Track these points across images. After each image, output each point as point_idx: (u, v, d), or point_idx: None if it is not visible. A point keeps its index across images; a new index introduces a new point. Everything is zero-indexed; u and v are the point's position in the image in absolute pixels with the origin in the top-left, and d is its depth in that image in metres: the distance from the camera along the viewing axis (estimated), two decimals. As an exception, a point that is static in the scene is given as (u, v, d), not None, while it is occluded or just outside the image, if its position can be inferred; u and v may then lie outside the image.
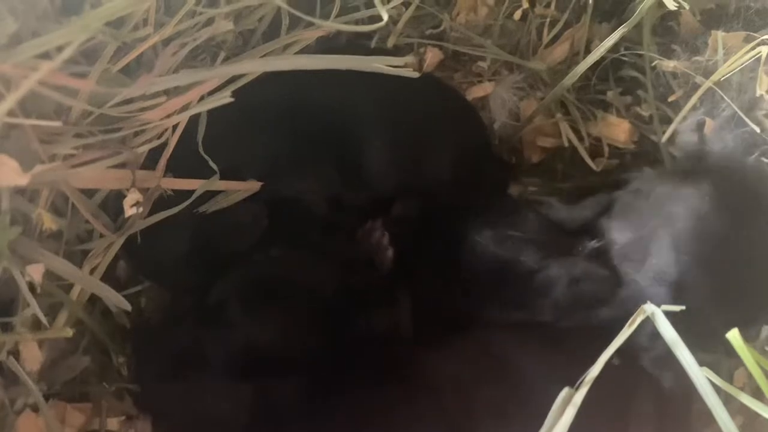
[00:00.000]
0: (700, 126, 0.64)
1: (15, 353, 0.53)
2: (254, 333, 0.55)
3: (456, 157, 0.66)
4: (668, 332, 0.44)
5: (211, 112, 0.51)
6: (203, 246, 0.59)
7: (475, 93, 0.75)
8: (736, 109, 0.60)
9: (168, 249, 0.59)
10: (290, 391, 0.54)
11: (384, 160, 0.63)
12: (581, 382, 0.45)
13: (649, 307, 0.45)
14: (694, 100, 0.65)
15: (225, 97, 0.47)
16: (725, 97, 0.61)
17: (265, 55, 0.52)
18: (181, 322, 0.58)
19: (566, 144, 0.74)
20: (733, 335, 0.41)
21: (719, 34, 0.65)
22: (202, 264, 0.59)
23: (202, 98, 0.48)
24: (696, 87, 0.65)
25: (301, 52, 0.55)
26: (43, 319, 0.49)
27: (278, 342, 0.55)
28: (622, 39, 0.67)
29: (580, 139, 0.74)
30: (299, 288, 0.58)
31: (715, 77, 0.63)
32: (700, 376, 0.43)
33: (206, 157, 0.53)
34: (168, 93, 0.50)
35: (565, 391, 0.46)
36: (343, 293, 0.58)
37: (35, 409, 0.53)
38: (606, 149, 0.73)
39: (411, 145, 0.64)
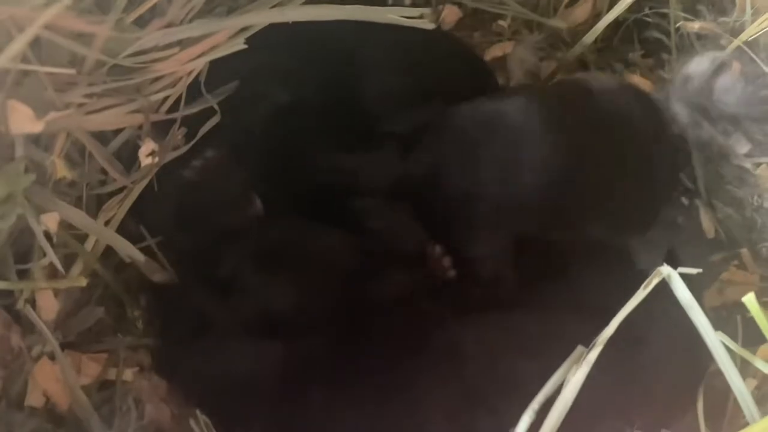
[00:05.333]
0: (721, 64, 0.62)
1: (32, 302, 0.53)
2: (269, 300, 0.54)
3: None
4: (684, 295, 0.44)
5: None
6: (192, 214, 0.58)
7: (494, 52, 0.74)
8: (764, 67, 0.59)
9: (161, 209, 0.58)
10: (309, 352, 0.54)
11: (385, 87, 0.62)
12: (595, 343, 0.45)
13: (665, 269, 0.45)
14: (719, 60, 0.63)
15: (238, 44, 0.47)
16: (754, 57, 0.60)
17: (276, 5, 0.52)
18: (192, 284, 0.58)
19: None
20: (749, 299, 0.41)
21: (748, -7, 0.63)
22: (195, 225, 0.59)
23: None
24: (722, 49, 0.64)
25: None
26: (60, 267, 0.49)
27: (294, 308, 0.55)
28: (646, -1, 0.66)
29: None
30: (314, 258, 0.57)
31: (743, 37, 0.62)
32: (714, 339, 0.43)
33: (208, 95, 0.53)
34: (181, 44, 0.49)
35: (577, 350, 0.46)
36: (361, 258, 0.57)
37: (52, 357, 0.54)
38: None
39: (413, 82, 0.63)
